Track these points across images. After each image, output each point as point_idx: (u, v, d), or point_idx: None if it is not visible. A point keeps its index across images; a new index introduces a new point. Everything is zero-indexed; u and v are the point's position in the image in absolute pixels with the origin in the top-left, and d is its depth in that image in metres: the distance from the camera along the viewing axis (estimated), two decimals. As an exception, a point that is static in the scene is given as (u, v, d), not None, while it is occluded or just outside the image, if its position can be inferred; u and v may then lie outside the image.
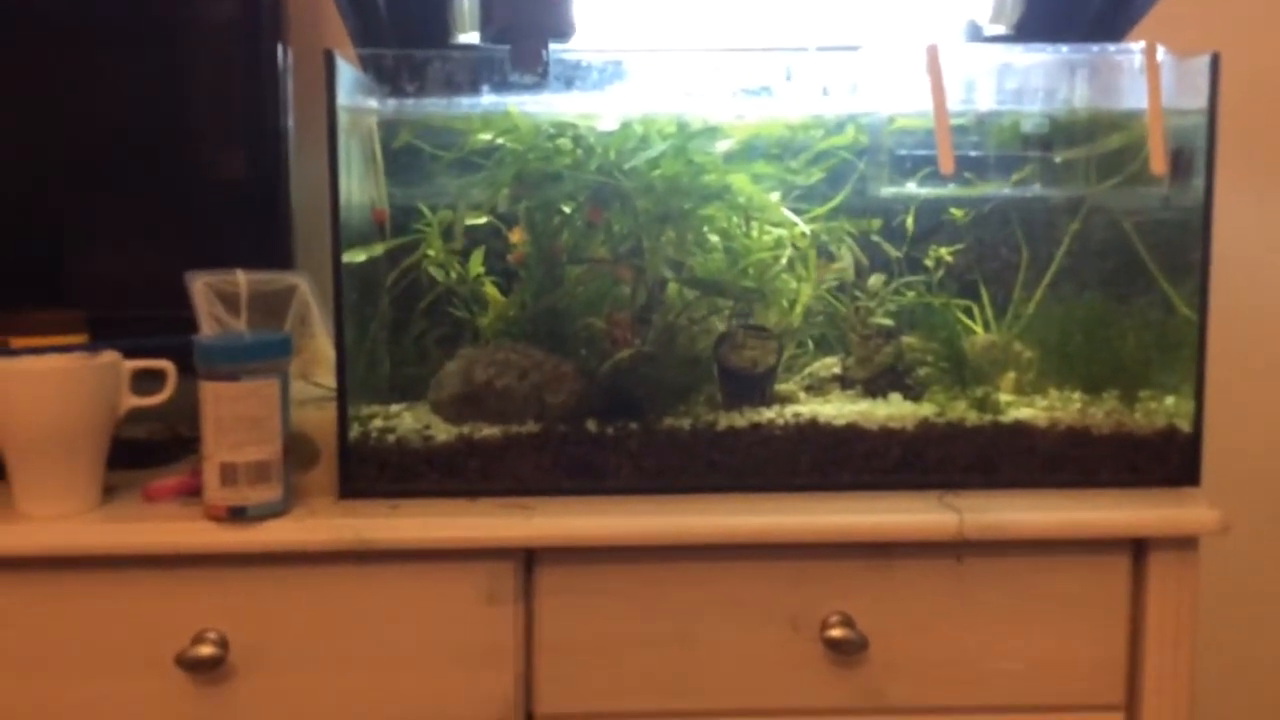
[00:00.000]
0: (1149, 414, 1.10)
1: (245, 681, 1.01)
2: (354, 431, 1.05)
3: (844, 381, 1.18)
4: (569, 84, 1.07)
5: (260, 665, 1.01)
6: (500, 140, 1.10)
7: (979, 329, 1.19)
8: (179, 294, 1.08)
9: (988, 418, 1.09)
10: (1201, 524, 1.01)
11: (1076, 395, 1.14)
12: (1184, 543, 1.02)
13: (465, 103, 1.09)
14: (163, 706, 1.01)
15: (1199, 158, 1.06)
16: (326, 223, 1.02)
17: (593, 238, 1.12)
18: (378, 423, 1.07)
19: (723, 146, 1.11)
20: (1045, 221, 1.18)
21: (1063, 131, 1.16)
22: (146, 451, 1.19)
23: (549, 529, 1.00)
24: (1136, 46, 1.07)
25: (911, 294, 1.17)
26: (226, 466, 0.97)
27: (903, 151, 1.15)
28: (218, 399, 0.97)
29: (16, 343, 1.01)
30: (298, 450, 1.03)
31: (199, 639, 0.99)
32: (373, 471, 1.05)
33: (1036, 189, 1.17)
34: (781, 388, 1.15)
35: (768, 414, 1.09)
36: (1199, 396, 1.07)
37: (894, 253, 1.17)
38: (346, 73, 1.03)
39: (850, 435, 1.07)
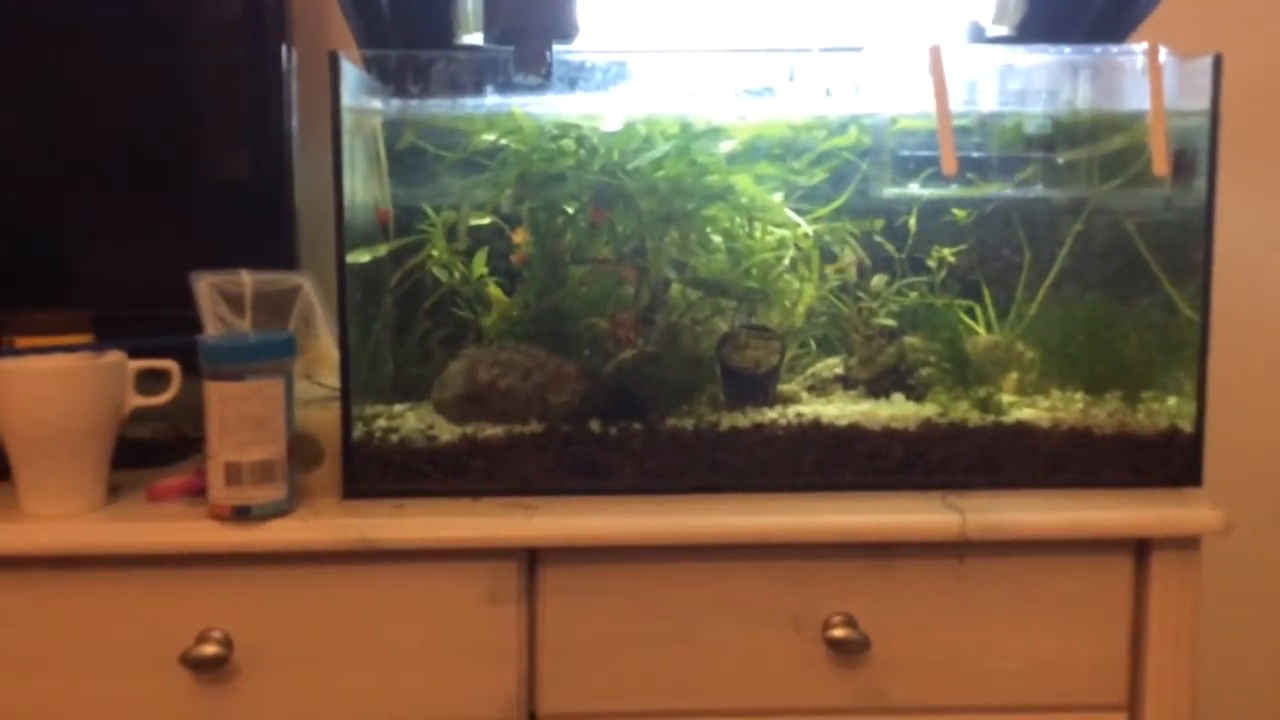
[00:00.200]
0: (1151, 414, 1.10)
1: (249, 681, 1.01)
2: (358, 431, 1.05)
3: (846, 382, 1.18)
4: (572, 85, 1.07)
5: (264, 665, 1.01)
6: (504, 141, 1.11)
7: (981, 329, 1.19)
8: (183, 294, 1.09)
9: (990, 418, 1.09)
10: (1204, 524, 1.01)
11: (1079, 396, 1.14)
12: (1186, 543, 1.02)
13: (469, 103, 1.09)
14: (167, 706, 1.01)
15: (1201, 159, 1.06)
16: (330, 223, 1.02)
17: (596, 238, 1.12)
18: (381, 423, 1.08)
19: (726, 147, 1.11)
20: (1047, 222, 1.18)
21: (1065, 132, 1.16)
22: (151, 451, 1.19)
23: (552, 529, 1.00)
24: (1139, 47, 1.08)
25: (914, 294, 1.18)
26: (231, 466, 0.98)
27: (905, 152, 1.15)
28: (222, 399, 0.97)
29: (22, 342, 1.01)
30: (302, 450, 1.04)
31: (203, 638, 1.00)
32: (376, 471, 1.05)
33: (1039, 190, 1.17)
34: (784, 388, 1.16)
35: (770, 414, 1.09)
36: (1201, 397, 1.07)
37: (896, 254, 1.17)
38: (351, 73, 1.04)
39: (853, 435, 1.07)
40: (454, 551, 1.00)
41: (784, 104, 1.10)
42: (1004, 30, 1.28)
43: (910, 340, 1.17)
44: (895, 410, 1.11)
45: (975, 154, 1.15)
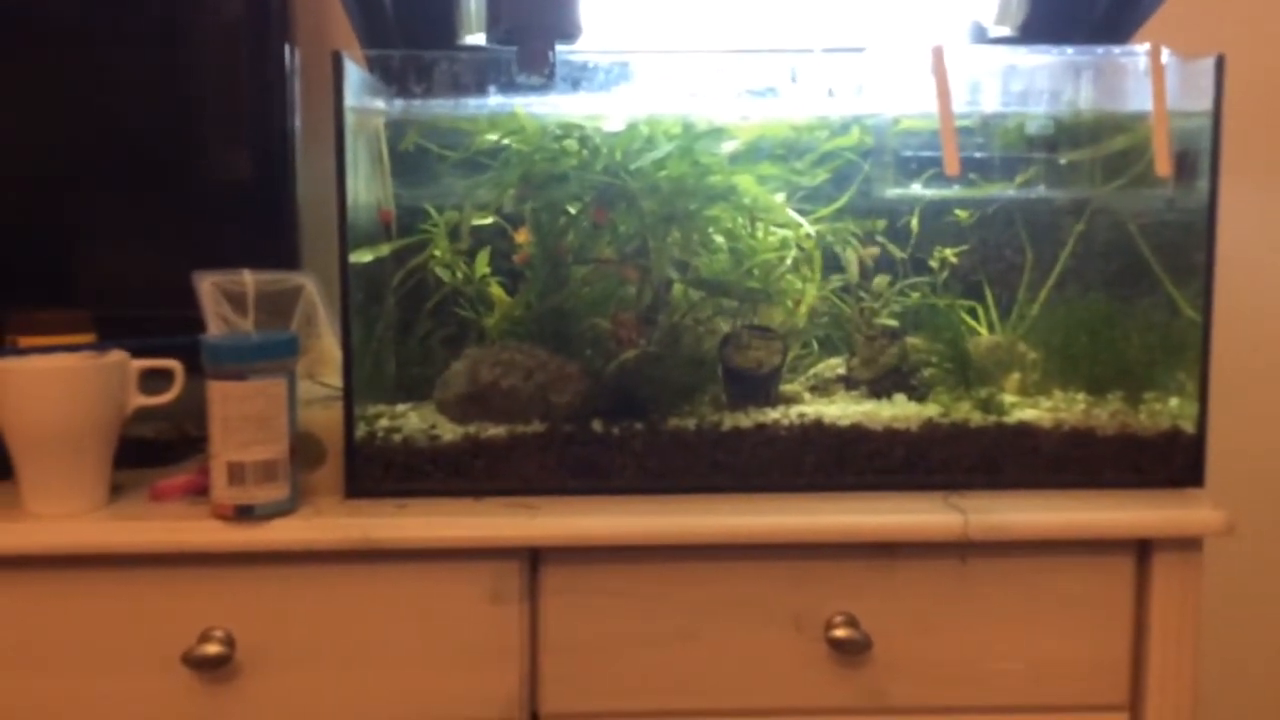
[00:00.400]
0: (1153, 415, 1.10)
1: (251, 680, 1.01)
2: (360, 431, 1.05)
3: (848, 382, 1.18)
4: (575, 85, 1.07)
5: (266, 664, 1.01)
6: (506, 141, 1.11)
7: (983, 330, 1.19)
8: (186, 294, 1.09)
9: (992, 418, 1.09)
10: (1205, 525, 1.01)
11: (1081, 396, 1.14)
12: (1188, 543, 1.02)
13: (472, 103, 1.09)
14: (169, 705, 1.01)
15: (1203, 159, 1.06)
16: (333, 223, 1.02)
17: (598, 238, 1.12)
18: (384, 422, 1.08)
19: (728, 147, 1.11)
20: (1050, 223, 1.18)
21: (1067, 133, 1.16)
22: (153, 450, 1.19)
23: (554, 529, 1.00)
24: (1141, 48, 1.08)
25: (916, 295, 1.18)
26: (233, 465, 0.98)
27: (908, 153, 1.15)
28: (225, 398, 0.97)
29: (24, 342, 1.02)
30: (304, 449, 1.04)
31: (205, 637, 1.00)
32: (379, 471, 1.05)
33: (1041, 190, 1.17)
34: (786, 388, 1.16)
35: (772, 414, 1.09)
36: (1203, 397, 1.07)
37: (898, 254, 1.17)
38: (354, 73, 1.04)
39: (855, 436, 1.07)
40: (456, 551, 1.00)
41: (786, 104, 1.10)
42: (1006, 31, 1.28)
43: (912, 341, 1.17)
44: (897, 410, 1.11)
45: (977, 154, 1.15)
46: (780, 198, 1.14)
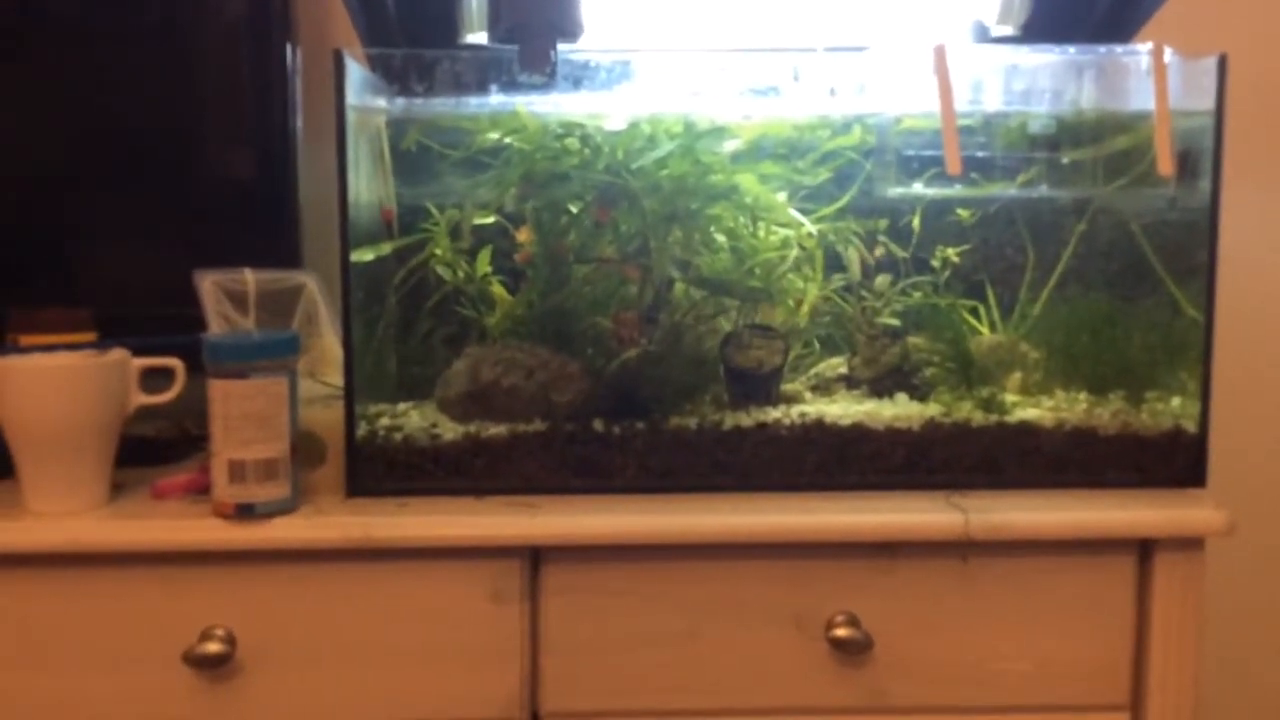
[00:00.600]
0: (1155, 415, 1.10)
1: (252, 678, 1.01)
2: (361, 430, 1.05)
3: (850, 381, 1.18)
4: (577, 84, 1.07)
5: (267, 662, 1.01)
6: (508, 140, 1.11)
7: (985, 329, 1.19)
8: (187, 292, 1.09)
9: (993, 418, 1.09)
10: (1207, 525, 1.01)
11: (1082, 396, 1.14)
12: (1190, 543, 1.02)
13: (473, 102, 1.09)
14: (170, 703, 1.01)
15: (1205, 159, 1.06)
16: (334, 222, 1.02)
17: (600, 237, 1.12)
18: (385, 421, 1.08)
19: (730, 146, 1.11)
20: (1051, 222, 1.18)
21: (1069, 132, 1.16)
22: (155, 449, 1.19)
23: (555, 528, 1.00)
24: (1143, 48, 1.07)
25: (918, 294, 1.18)
26: (234, 464, 0.98)
27: (910, 152, 1.15)
28: (226, 397, 0.97)
29: (25, 340, 1.02)
30: (305, 448, 1.04)
31: (206, 636, 1.00)
32: (380, 470, 1.05)
33: (1043, 190, 1.17)
34: (787, 388, 1.16)
35: (774, 414, 1.09)
36: (1205, 397, 1.07)
37: (900, 253, 1.17)
38: (355, 72, 1.04)
39: (856, 435, 1.07)
40: (457, 550, 1.00)
41: (788, 103, 1.10)
42: (1008, 30, 1.28)
43: (914, 340, 1.17)
44: (899, 410, 1.11)
45: (979, 154, 1.15)
46: (782, 197, 1.14)
